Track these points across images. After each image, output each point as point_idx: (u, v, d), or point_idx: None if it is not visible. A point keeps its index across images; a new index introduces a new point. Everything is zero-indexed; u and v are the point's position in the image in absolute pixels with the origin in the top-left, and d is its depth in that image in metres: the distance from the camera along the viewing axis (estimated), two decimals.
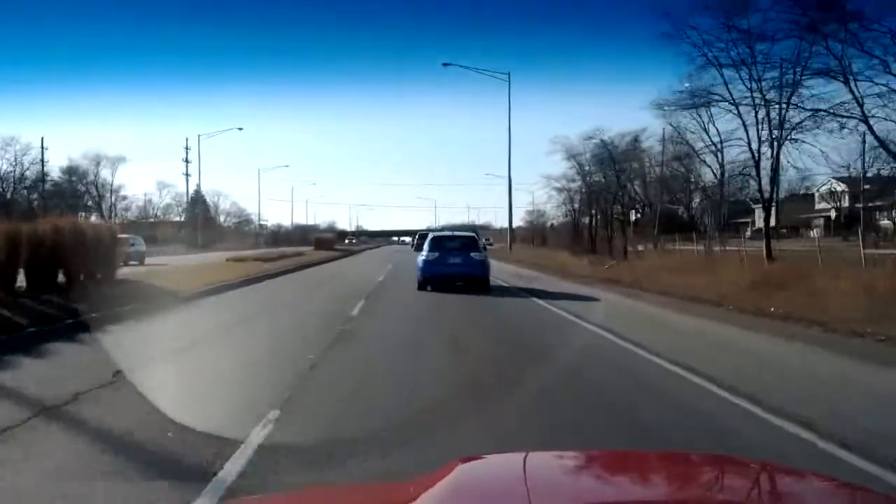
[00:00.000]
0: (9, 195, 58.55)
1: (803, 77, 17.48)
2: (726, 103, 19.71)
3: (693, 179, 37.45)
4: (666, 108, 22.69)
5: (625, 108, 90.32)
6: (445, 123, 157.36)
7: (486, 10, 63.62)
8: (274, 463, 4.18)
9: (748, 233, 51.90)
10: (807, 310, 10.96)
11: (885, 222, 43.87)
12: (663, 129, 31.34)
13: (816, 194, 55.79)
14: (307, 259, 36.15)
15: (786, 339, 9.36)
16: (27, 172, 59.05)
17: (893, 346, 8.41)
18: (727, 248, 24.78)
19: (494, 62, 49.16)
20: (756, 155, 19.50)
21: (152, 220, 73.86)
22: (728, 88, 19.39)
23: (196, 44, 62.32)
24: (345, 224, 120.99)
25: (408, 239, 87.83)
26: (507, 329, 10.89)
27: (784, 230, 50.17)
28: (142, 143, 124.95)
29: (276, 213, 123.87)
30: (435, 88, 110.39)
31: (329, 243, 59.56)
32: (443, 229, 45.62)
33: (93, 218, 64.95)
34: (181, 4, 60.01)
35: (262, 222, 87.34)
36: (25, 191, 60.56)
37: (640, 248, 31.68)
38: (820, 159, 21.66)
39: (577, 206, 43.06)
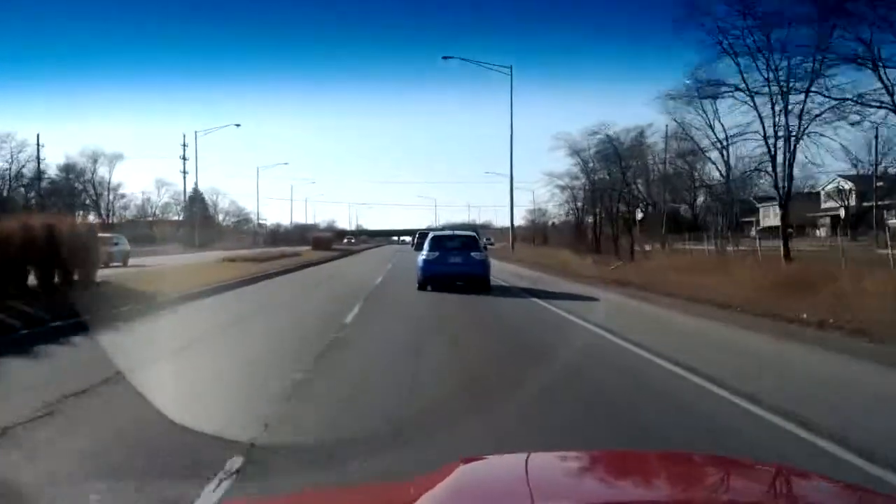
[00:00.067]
0: (5, 193, 57.66)
1: (825, 65, 16.49)
2: (741, 93, 18.73)
3: (698, 177, 36.68)
4: (678, 97, 21.76)
5: (628, 105, 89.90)
6: (446, 120, 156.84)
7: (487, 4, 62.75)
8: None
9: (753, 232, 51.27)
10: (840, 315, 10.01)
11: (893, 221, 43.02)
12: (666, 126, 30.50)
13: (822, 193, 54.84)
14: (303, 259, 35.28)
15: (836, 353, 8.28)
16: (23, 170, 58.25)
17: None
18: (740, 247, 23.93)
19: (495, 58, 48.17)
20: (773, 148, 18.54)
21: (151, 218, 73.15)
22: (744, 78, 18.45)
23: (194, 39, 61.66)
24: (344, 223, 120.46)
25: (408, 238, 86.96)
26: (523, 344, 9.43)
27: (789, 229, 49.25)
28: (140, 140, 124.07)
29: (276, 212, 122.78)
30: (435, 85, 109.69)
31: (327, 243, 58.63)
32: (443, 228, 44.95)
33: (90, 217, 64.82)
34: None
35: (260, 221, 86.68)
36: (23, 189, 59.69)
37: (647, 247, 30.75)
38: (839, 153, 20.74)
39: (580, 204, 42.18)
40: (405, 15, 64.19)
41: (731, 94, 18.83)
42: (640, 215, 36.76)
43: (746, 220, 53.92)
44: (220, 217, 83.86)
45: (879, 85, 15.52)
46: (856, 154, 23.85)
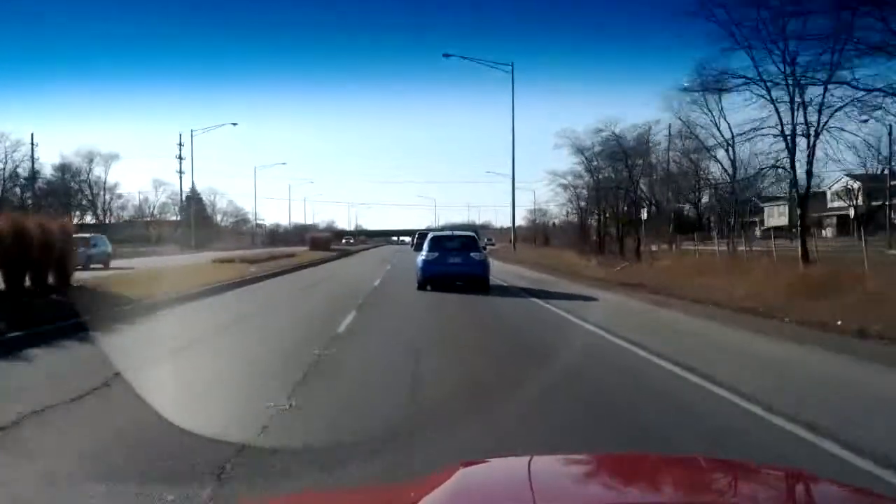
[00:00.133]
0: (0, 193, 56.85)
1: (846, 54, 15.56)
2: (757, 86, 17.75)
3: (703, 176, 35.86)
4: (691, 90, 20.81)
5: (631, 104, 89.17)
6: (446, 120, 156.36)
7: (487, 3, 61.97)
8: None
9: (757, 232, 50.47)
10: (878, 322, 9.13)
11: None
12: (669, 125, 29.66)
13: (829, 192, 54.00)
14: (300, 260, 34.45)
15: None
16: (18, 169, 57.45)
17: None
18: (752, 248, 23.07)
19: (496, 57, 47.25)
20: (791, 144, 17.60)
21: (148, 219, 72.35)
22: (758, 70, 17.53)
23: (192, 38, 60.96)
24: (344, 223, 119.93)
25: (407, 239, 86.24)
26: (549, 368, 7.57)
27: (794, 229, 48.48)
28: (137, 140, 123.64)
29: (274, 213, 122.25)
30: (435, 84, 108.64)
31: (325, 243, 57.79)
32: (443, 229, 44.31)
33: (87, 217, 63.99)
34: None
35: (259, 221, 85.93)
36: (18, 189, 58.90)
37: (654, 248, 29.89)
38: (859, 149, 19.84)
39: (583, 203, 41.32)
40: (405, 14, 63.56)
41: (746, 87, 17.89)
42: (644, 215, 35.95)
43: (750, 220, 53.12)
44: (219, 217, 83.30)
45: None
46: (870, 151, 22.87)
